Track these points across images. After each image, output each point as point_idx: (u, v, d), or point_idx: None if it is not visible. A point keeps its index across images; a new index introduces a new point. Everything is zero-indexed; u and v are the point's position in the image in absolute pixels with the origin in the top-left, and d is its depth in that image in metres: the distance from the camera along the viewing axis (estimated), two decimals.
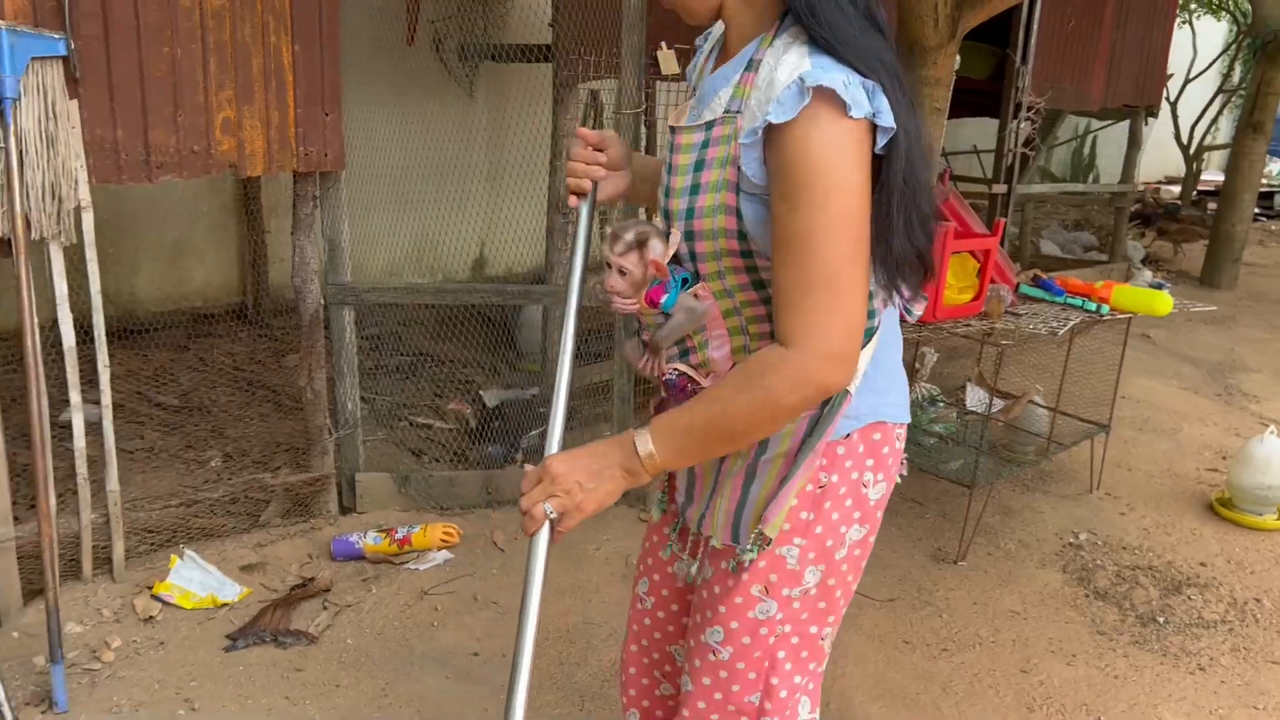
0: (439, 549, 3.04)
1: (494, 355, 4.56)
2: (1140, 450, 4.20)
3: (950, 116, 4.99)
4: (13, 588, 2.58)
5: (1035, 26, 5.65)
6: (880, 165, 1.22)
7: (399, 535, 3.00)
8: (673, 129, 1.39)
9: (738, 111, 1.27)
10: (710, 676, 1.46)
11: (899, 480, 1.48)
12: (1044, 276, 3.57)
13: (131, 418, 3.69)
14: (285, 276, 5.30)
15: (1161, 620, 2.93)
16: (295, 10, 2.69)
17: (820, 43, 1.21)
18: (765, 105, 1.20)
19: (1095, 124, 8.61)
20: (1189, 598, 3.06)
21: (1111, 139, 9.13)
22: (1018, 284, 3.55)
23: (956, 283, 3.18)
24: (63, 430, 3.10)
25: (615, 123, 2.96)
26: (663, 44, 3.53)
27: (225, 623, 2.64)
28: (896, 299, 1.35)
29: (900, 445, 1.46)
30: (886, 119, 1.18)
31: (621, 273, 1.37)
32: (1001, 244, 5.00)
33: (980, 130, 7.38)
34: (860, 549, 1.44)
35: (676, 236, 1.35)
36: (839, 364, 1.22)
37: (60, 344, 2.52)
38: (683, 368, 1.41)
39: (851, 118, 1.16)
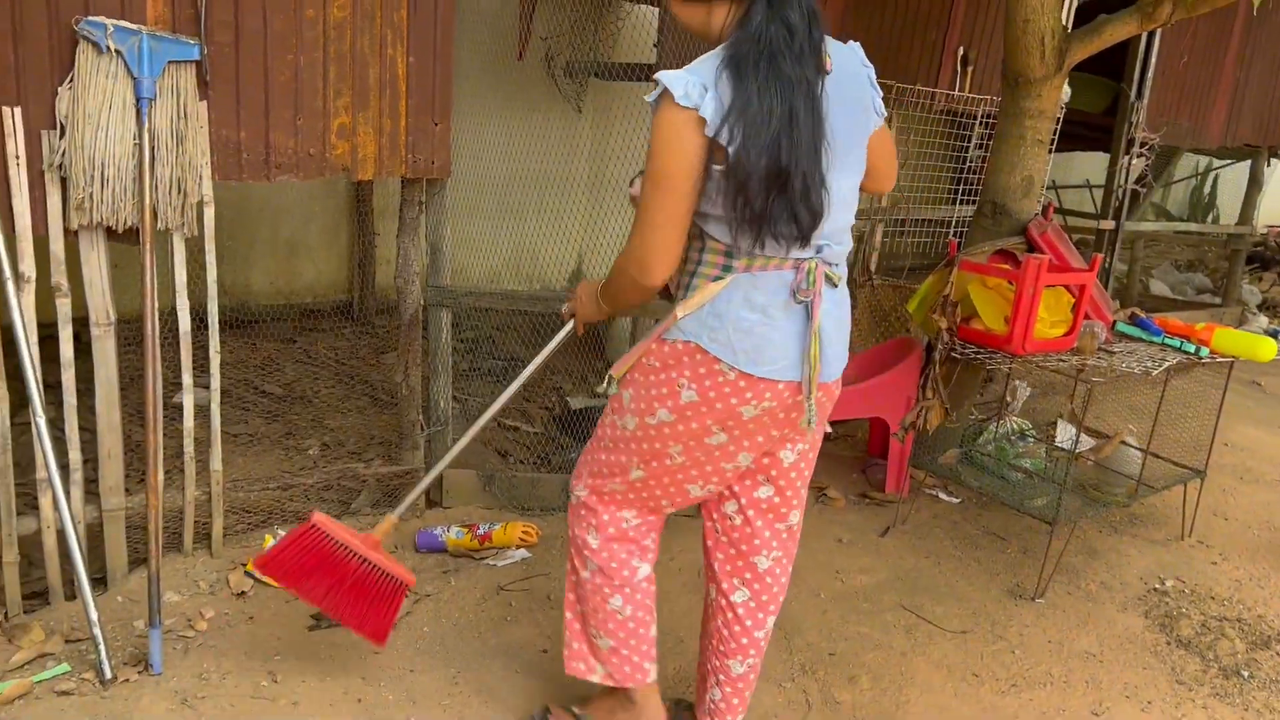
0: (517, 547, 3.13)
1: (583, 364, 4.65)
2: (1238, 500, 4.07)
3: (1061, 149, 4.93)
4: (120, 554, 2.75)
5: (1153, 60, 5.53)
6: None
7: (480, 531, 3.10)
8: None
9: None
10: (587, 445, 2.19)
11: (755, 413, 1.90)
12: (1142, 315, 3.51)
13: (238, 404, 3.88)
14: (390, 278, 5.51)
15: (1246, 674, 2.85)
16: (412, 24, 2.82)
17: (728, 54, 1.69)
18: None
19: (1216, 162, 8.35)
20: (1278, 653, 2.96)
21: (1232, 179, 8.83)
22: (1114, 321, 3.49)
23: (1049, 316, 3.14)
24: (173, 411, 3.29)
25: None
26: None
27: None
28: (779, 275, 1.84)
29: (724, 381, 1.87)
30: (708, 112, 1.67)
31: (634, 199, 1.98)
32: (1103, 281, 4.91)
33: (1094, 164, 7.23)
34: (668, 429, 1.94)
35: None
36: (640, 269, 1.83)
37: (177, 330, 2.69)
38: None
39: (678, 105, 1.67)
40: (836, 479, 3.90)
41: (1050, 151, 3.72)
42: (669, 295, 2.02)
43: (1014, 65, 3.50)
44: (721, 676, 2.21)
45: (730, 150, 1.68)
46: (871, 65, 1.94)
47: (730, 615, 2.17)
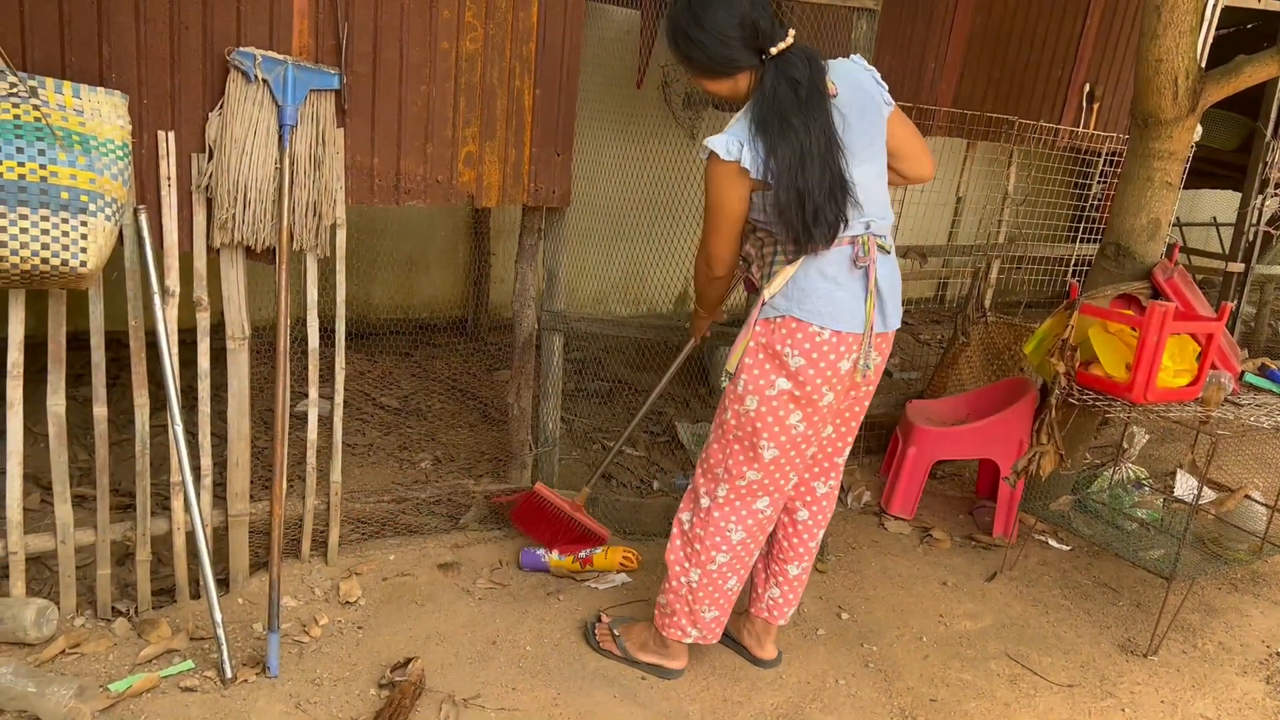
0: (618, 571, 3.17)
1: (686, 389, 4.68)
2: None
3: (1189, 187, 4.77)
4: (243, 558, 2.88)
5: None
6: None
7: (582, 555, 3.14)
8: None
9: None
10: (705, 451, 2.56)
11: (868, 368, 2.36)
12: (1272, 367, 3.37)
13: (356, 415, 4.02)
14: (504, 297, 5.64)
15: None
16: (540, 58, 2.90)
17: (751, 113, 2.22)
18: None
19: None
20: None
21: None
22: (1242, 372, 3.36)
23: (1173, 365, 3.05)
24: (296, 421, 3.43)
25: None
26: None
27: None
28: (840, 248, 2.30)
29: (819, 341, 2.29)
30: (748, 162, 2.20)
31: None
32: (1230, 328, 4.73)
33: (1218, 202, 6.98)
34: (787, 395, 2.34)
35: None
36: (708, 264, 2.46)
37: (305, 343, 2.81)
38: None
39: (724, 160, 2.22)
40: (942, 519, 3.84)
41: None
42: (755, 289, 2.49)
43: (1145, 106, 3.41)
44: (781, 578, 2.73)
45: (772, 183, 2.20)
46: (874, 68, 2.40)
47: (792, 529, 2.70)
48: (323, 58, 2.63)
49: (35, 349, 2.52)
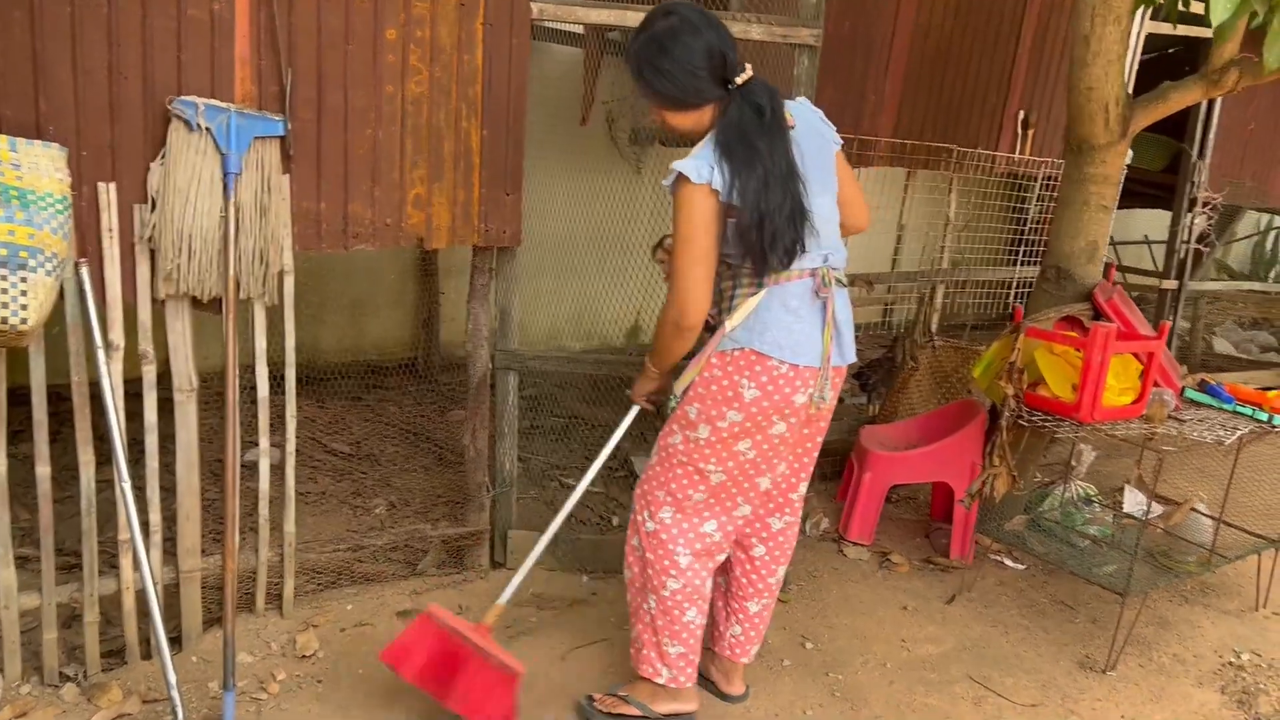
0: None
1: (642, 423, 4.66)
2: None
3: (1121, 207, 4.89)
4: (195, 615, 2.81)
5: (1214, 120, 5.49)
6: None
7: None
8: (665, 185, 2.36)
9: None
10: (645, 474, 2.56)
11: (824, 399, 2.39)
12: (1212, 382, 3.46)
13: (307, 462, 3.96)
14: (455, 335, 5.60)
15: None
16: (486, 100, 2.91)
17: (717, 139, 2.23)
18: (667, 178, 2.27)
19: (1278, 219, 8.22)
20: None
21: None
22: (1183, 388, 3.44)
23: (1117, 384, 3.11)
24: (245, 471, 3.37)
25: None
26: None
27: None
28: (802, 281, 2.33)
29: (777, 374, 2.31)
30: (718, 184, 2.19)
31: (661, 261, 2.56)
32: (1169, 344, 4.84)
33: (1151, 221, 7.17)
34: (738, 426, 2.35)
35: None
36: (680, 314, 2.29)
37: (254, 392, 2.76)
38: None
39: (695, 183, 2.19)
40: (899, 543, 3.87)
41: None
42: (710, 328, 2.40)
43: (1078, 132, 3.50)
44: (741, 616, 2.71)
45: (740, 207, 2.20)
46: (818, 109, 2.47)
47: (750, 566, 2.68)
48: (266, 104, 2.61)
49: None
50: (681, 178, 2.22)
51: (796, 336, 2.31)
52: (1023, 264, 4.81)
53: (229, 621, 2.52)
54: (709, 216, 2.22)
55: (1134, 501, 3.86)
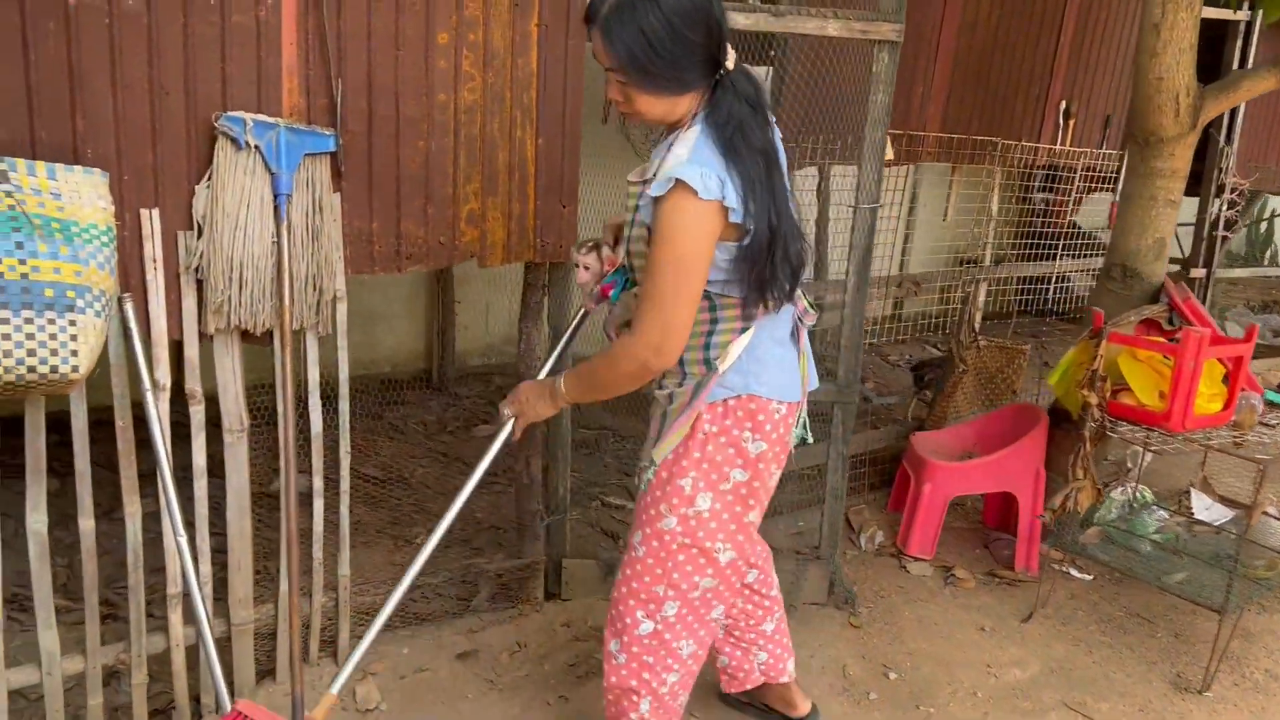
0: None
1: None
2: None
3: None
4: (248, 669, 2.61)
5: (1241, 106, 5.38)
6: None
7: None
8: (629, 182, 1.98)
9: (655, 177, 1.83)
10: (630, 569, 2.08)
11: (803, 442, 2.14)
12: None
13: (337, 489, 3.74)
14: (469, 345, 5.40)
15: None
16: (541, 107, 2.71)
17: (713, 138, 1.80)
18: (656, 181, 1.79)
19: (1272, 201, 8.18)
20: None
21: None
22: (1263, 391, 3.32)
23: (1206, 390, 2.98)
24: (275, 502, 3.15)
25: (851, 214, 2.88)
26: None
27: None
28: (785, 308, 1.99)
29: (779, 418, 2.00)
30: (731, 201, 1.77)
31: (586, 269, 2.16)
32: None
33: None
34: (745, 488, 2.00)
35: (620, 252, 2.07)
36: (654, 352, 1.84)
37: (308, 429, 2.56)
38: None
39: (702, 199, 1.74)
40: (959, 556, 3.72)
41: None
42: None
43: (1145, 124, 3.36)
44: (761, 641, 2.48)
45: (748, 227, 1.81)
46: None
47: (749, 593, 2.43)
48: (315, 118, 2.40)
49: None
50: (682, 188, 1.74)
51: (786, 371, 2.02)
52: (1062, 259, 4.68)
53: (298, 682, 2.32)
54: (712, 237, 1.80)
55: (1203, 506, 3.73)
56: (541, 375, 2.25)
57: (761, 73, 3.94)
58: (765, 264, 1.83)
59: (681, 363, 1.98)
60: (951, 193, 4.33)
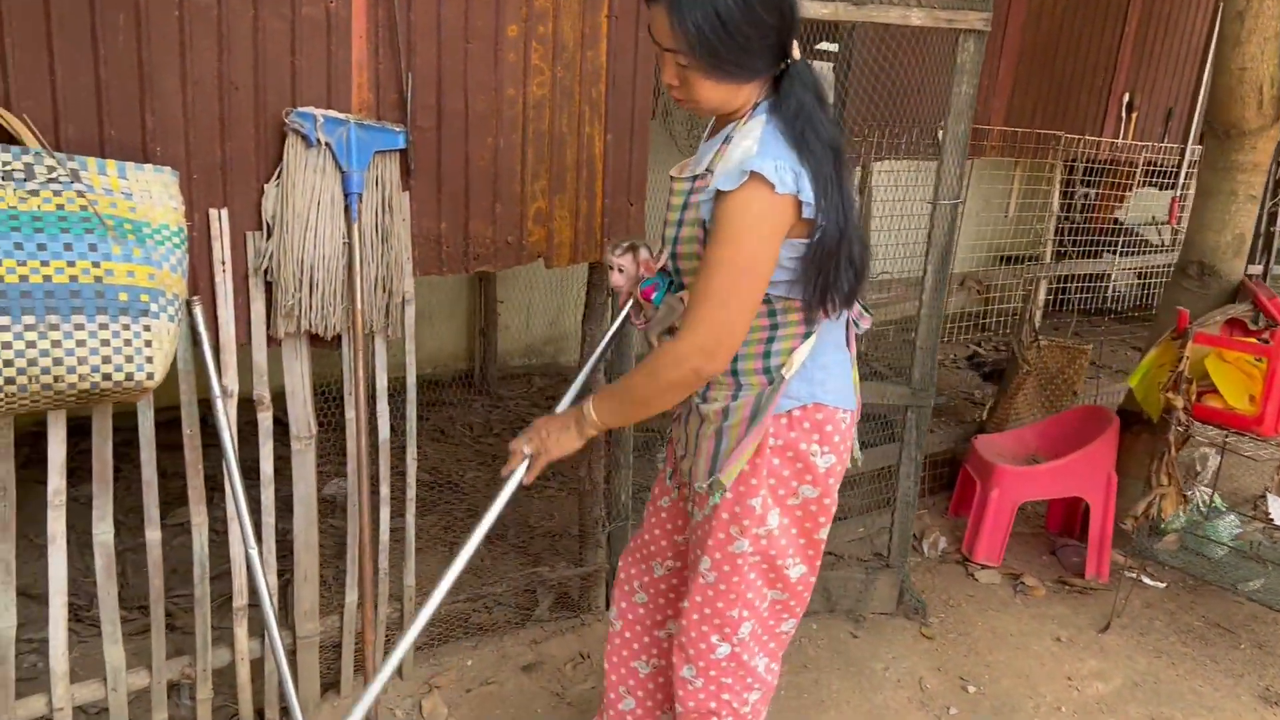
0: None
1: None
2: None
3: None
4: (313, 683, 2.53)
5: None
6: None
7: None
8: (672, 178, 1.86)
9: (710, 171, 1.73)
10: (700, 595, 1.92)
11: (856, 460, 1.98)
12: None
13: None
14: (511, 345, 5.32)
15: None
16: (610, 102, 2.62)
17: (782, 130, 1.67)
18: (722, 175, 1.66)
19: None
20: None
21: None
22: None
23: None
24: (324, 505, 3.08)
25: (931, 211, 2.78)
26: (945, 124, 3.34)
27: None
28: (844, 314, 1.84)
29: (845, 426, 1.86)
30: (807, 196, 1.64)
31: (620, 270, 1.99)
32: None
33: None
34: (815, 505, 1.86)
35: (665, 254, 1.90)
36: (707, 356, 1.69)
37: (374, 435, 2.48)
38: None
39: (778, 193, 1.61)
40: (1026, 563, 3.62)
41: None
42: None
43: (1226, 116, 3.25)
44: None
45: (819, 223, 1.68)
46: None
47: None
48: (384, 114, 2.31)
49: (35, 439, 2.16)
50: (757, 181, 1.62)
51: (846, 378, 1.90)
52: (1121, 254, 4.56)
53: (373, 694, 2.24)
54: (781, 236, 1.68)
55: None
56: (561, 407, 1.97)
57: (823, 67, 3.84)
58: (831, 267, 1.71)
59: (735, 373, 1.82)
60: (1013, 187, 4.22)
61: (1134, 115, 4.27)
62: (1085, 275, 4.63)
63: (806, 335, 1.80)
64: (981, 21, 2.52)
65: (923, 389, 2.93)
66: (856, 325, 1.96)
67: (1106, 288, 4.68)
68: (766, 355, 1.80)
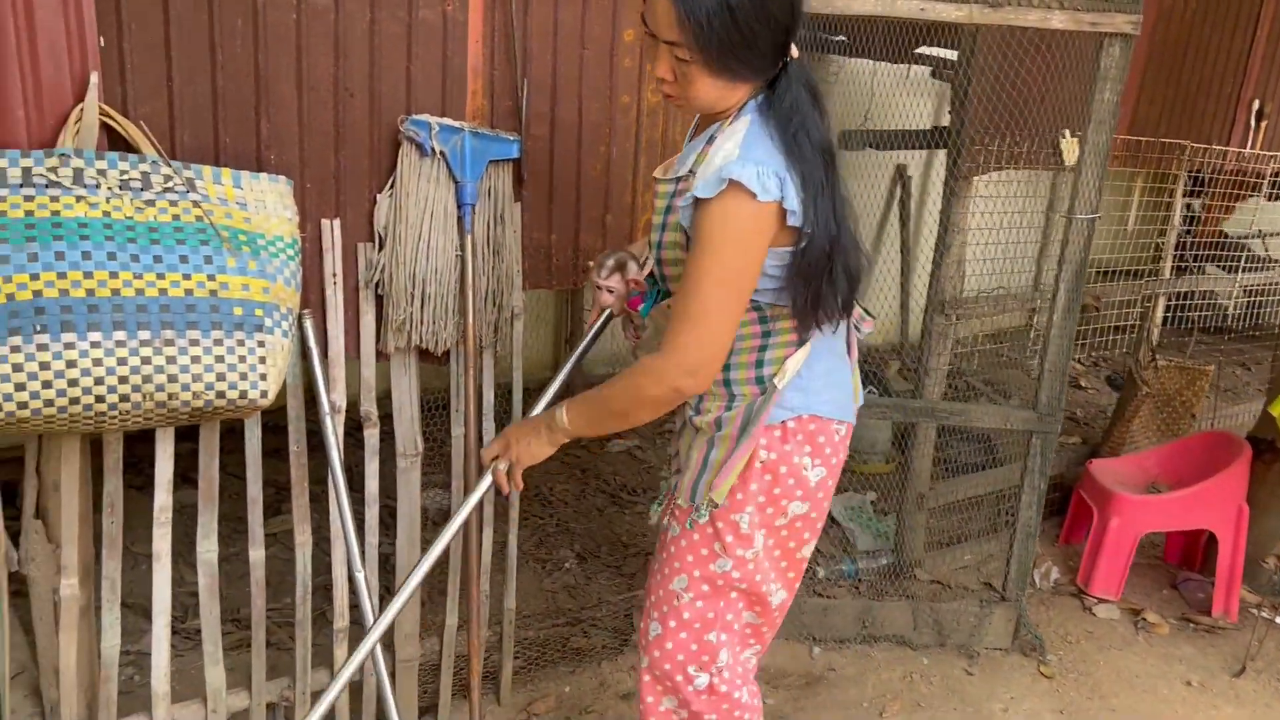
0: None
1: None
2: None
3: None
4: (412, 708, 2.46)
5: None
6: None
7: None
8: (655, 179, 1.78)
9: (692, 174, 1.64)
10: (676, 619, 1.81)
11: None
12: None
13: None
14: (595, 353, 5.20)
15: None
16: None
17: (771, 131, 1.58)
18: (701, 180, 1.57)
19: None
20: None
21: None
22: None
23: None
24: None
25: (1064, 225, 2.62)
26: (1066, 132, 3.18)
27: None
28: (841, 323, 1.75)
29: (839, 439, 1.78)
30: (792, 203, 1.55)
31: (610, 291, 1.95)
32: None
33: None
34: (801, 522, 1.78)
35: (651, 260, 1.81)
36: (688, 375, 1.60)
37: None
38: None
39: (759, 201, 1.51)
40: (1147, 598, 3.41)
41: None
42: None
43: None
44: None
45: (806, 232, 1.58)
46: None
47: None
48: (498, 122, 2.23)
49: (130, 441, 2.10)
50: (737, 190, 1.52)
51: (844, 387, 1.80)
52: (1244, 270, 4.33)
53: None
54: (766, 245, 1.58)
55: None
56: (538, 410, 1.92)
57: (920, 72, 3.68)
58: (821, 279, 1.61)
59: (727, 383, 1.73)
60: (1134, 199, 4.02)
61: (1264, 124, 4.04)
62: (1204, 292, 4.40)
63: (801, 343, 1.72)
64: (1130, 25, 2.36)
65: (1049, 413, 2.77)
66: (858, 329, 1.86)
67: (1225, 306, 4.44)
68: (759, 364, 1.72)
